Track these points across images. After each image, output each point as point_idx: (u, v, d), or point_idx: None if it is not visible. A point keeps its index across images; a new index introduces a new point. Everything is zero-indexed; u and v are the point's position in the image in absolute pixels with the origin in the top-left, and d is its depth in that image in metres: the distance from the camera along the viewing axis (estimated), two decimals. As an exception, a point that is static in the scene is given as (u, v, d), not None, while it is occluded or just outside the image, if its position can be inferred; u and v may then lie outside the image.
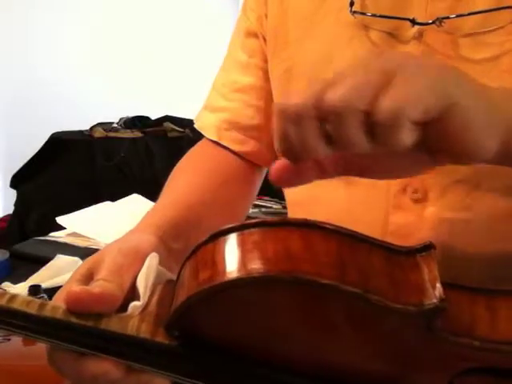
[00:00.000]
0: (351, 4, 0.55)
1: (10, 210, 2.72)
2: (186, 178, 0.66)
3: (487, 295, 0.36)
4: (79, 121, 2.78)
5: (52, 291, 1.05)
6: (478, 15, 0.50)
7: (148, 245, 0.47)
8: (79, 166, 2.64)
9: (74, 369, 0.40)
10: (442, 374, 0.36)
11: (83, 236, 1.46)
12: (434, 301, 0.33)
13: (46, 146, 2.63)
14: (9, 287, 1.17)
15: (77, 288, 0.40)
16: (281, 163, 0.39)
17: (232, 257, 0.34)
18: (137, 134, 2.79)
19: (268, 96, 0.66)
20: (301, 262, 0.32)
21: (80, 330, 0.39)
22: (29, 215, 2.57)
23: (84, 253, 1.31)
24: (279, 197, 1.87)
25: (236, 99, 0.68)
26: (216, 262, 0.34)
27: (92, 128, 2.78)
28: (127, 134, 2.77)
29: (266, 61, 0.66)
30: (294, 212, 0.65)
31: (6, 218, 2.76)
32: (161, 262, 0.45)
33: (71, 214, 1.54)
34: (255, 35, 0.67)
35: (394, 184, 0.54)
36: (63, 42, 3.30)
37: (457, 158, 0.36)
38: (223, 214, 0.64)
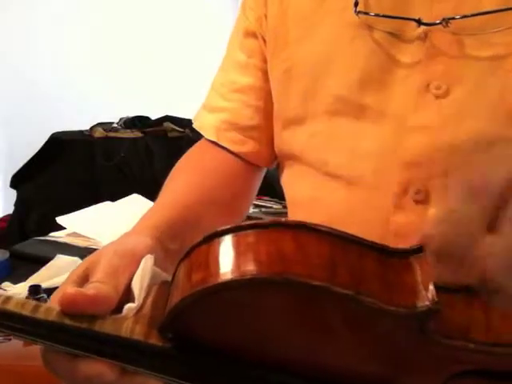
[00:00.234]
0: (356, 4, 0.54)
1: (10, 210, 2.72)
2: (185, 178, 0.66)
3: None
4: (79, 121, 2.78)
5: (52, 291, 1.04)
6: (485, 15, 0.49)
7: (144, 247, 0.47)
8: (79, 166, 2.64)
9: (68, 370, 0.40)
10: (436, 376, 0.36)
11: (83, 236, 1.46)
12: (427, 303, 0.33)
13: (45, 146, 2.64)
14: (9, 287, 1.17)
15: (71, 290, 0.40)
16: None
17: (225, 258, 0.34)
18: (137, 134, 2.79)
19: (267, 96, 0.66)
20: (292, 263, 0.32)
21: (74, 332, 0.39)
22: (29, 215, 2.57)
23: (84, 253, 1.31)
24: (279, 197, 1.87)
25: (235, 99, 0.68)
26: (209, 264, 0.34)
27: (92, 128, 2.78)
28: (127, 133, 2.77)
29: (265, 61, 0.66)
30: (295, 213, 0.65)
31: (6, 217, 2.76)
32: (157, 264, 0.45)
33: (71, 214, 1.54)
34: (254, 35, 0.67)
35: (396, 185, 0.54)
36: (63, 42, 3.30)
37: None
38: (222, 214, 0.64)
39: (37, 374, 0.74)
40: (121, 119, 2.88)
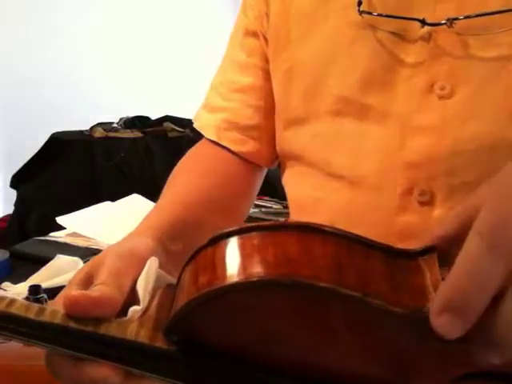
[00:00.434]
0: (359, 3, 0.54)
1: (10, 210, 2.72)
2: (186, 178, 0.66)
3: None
4: (79, 121, 2.78)
5: (52, 291, 1.05)
6: (490, 15, 0.49)
7: (146, 248, 0.47)
8: (79, 166, 2.64)
9: (73, 374, 0.40)
10: (441, 378, 0.36)
11: (83, 236, 1.46)
12: None
13: (45, 146, 2.63)
14: (9, 287, 1.17)
15: (75, 292, 0.40)
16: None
17: (231, 261, 0.33)
18: (137, 134, 2.79)
19: (268, 96, 0.66)
20: (299, 265, 0.32)
21: (79, 335, 0.38)
22: (29, 215, 2.57)
23: (84, 253, 1.31)
24: (279, 197, 1.87)
25: (235, 99, 0.68)
26: (215, 267, 0.34)
27: (92, 128, 2.78)
28: (127, 134, 2.77)
29: (265, 60, 0.65)
30: (297, 214, 0.65)
31: (6, 217, 2.76)
32: (160, 265, 0.44)
33: (71, 214, 1.54)
34: (254, 34, 0.66)
35: (400, 185, 0.54)
36: (63, 42, 3.30)
37: None
38: (223, 214, 0.64)
39: (37, 374, 0.74)
40: (121, 119, 2.88)
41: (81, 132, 2.79)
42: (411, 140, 0.53)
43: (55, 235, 1.50)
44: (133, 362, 0.38)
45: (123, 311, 0.41)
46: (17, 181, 2.67)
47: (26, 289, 1.07)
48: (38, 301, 1.00)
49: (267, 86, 0.65)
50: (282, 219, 1.69)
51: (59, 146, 2.63)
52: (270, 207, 1.94)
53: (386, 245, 0.35)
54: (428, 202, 0.53)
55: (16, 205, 2.68)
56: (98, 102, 3.26)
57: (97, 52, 3.40)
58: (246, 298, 0.33)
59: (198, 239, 0.37)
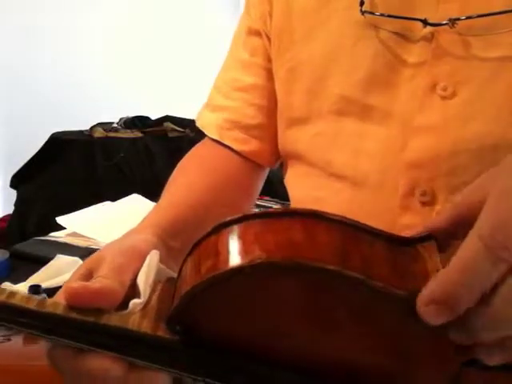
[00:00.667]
0: (361, 3, 0.54)
1: (10, 210, 2.72)
2: (187, 177, 0.65)
3: None
4: (79, 121, 2.77)
5: (52, 291, 1.04)
6: (492, 16, 0.49)
7: (146, 244, 0.47)
8: (79, 166, 2.63)
9: (74, 366, 0.40)
10: (443, 368, 0.36)
11: (83, 236, 1.46)
12: None
13: (45, 146, 2.63)
14: (9, 287, 1.16)
15: (76, 284, 0.40)
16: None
17: (235, 246, 0.33)
18: (137, 134, 2.79)
19: (270, 95, 0.65)
20: (303, 249, 0.32)
21: (80, 326, 0.38)
22: (29, 215, 2.57)
23: (84, 253, 1.31)
24: (280, 197, 1.87)
25: (237, 98, 0.68)
26: (219, 252, 0.34)
27: (92, 128, 2.78)
28: (127, 134, 2.77)
29: (268, 59, 0.65)
30: None
31: (6, 217, 2.76)
32: (161, 261, 0.45)
33: (71, 214, 1.54)
34: (257, 33, 0.66)
35: (402, 186, 0.53)
36: (63, 42, 3.30)
37: None
38: (224, 213, 0.64)
39: (37, 373, 0.74)
40: (121, 119, 2.88)
41: (81, 132, 2.79)
42: (413, 140, 0.53)
43: (55, 235, 1.49)
44: (135, 352, 0.38)
45: (124, 305, 0.41)
46: (17, 181, 2.67)
47: (26, 289, 1.07)
48: (38, 301, 1.00)
49: (270, 86, 0.65)
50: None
51: (59, 146, 2.63)
52: (271, 207, 1.94)
53: (389, 233, 0.36)
54: (429, 202, 0.53)
55: (16, 205, 2.68)
56: (98, 102, 3.26)
57: (97, 52, 3.40)
58: (250, 283, 0.33)
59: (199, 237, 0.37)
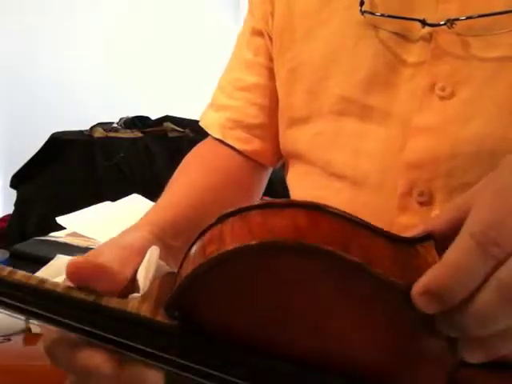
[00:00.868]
0: (361, 4, 0.54)
1: (10, 210, 2.72)
2: (188, 177, 0.66)
3: None
4: (79, 121, 2.78)
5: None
6: (491, 16, 0.49)
7: (141, 242, 0.47)
8: (79, 166, 2.63)
9: (68, 359, 0.40)
10: (441, 366, 0.36)
11: (83, 236, 1.46)
12: None
13: (45, 146, 2.63)
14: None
15: (79, 258, 0.41)
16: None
17: (239, 230, 0.34)
18: (137, 133, 2.79)
19: (272, 95, 0.66)
20: (306, 233, 0.33)
21: (80, 304, 0.38)
22: (29, 215, 2.57)
23: (84, 253, 1.30)
24: (280, 197, 1.87)
25: (240, 98, 0.68)
26: (223, 238, 0.34)
27: (92, 128, 2.78)
28: (127, 134, 2.77)
29: (270, 59, 0.66)
30: None
31: (6, 217, 2.76)
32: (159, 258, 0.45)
33: (71, 214, 1.54)
34: (260, 33, 0.67)
35: (400, 186, 0.54)
36: (63, 42, 3.30)
37: None
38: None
39: (37, 373, 0.74)
40: (121, 119, 2.88)
41: (81, 132, 2.79)
42: (412, 141, 0.53)
43: (55, 235, 1.49)
44: (132, 336, 0.38)
45: (123, 298, 0.40)
46: (17, 181, 2.67)
47: (26, 289, 1.07)
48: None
49: (272, 85, 0.66)
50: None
51: (59, 146, 2.63)
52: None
53: (389, 232, 0.36)
54: (427, 202, 0.53)
55: (16, 205, 2.68)
56: (98, 102, 3.26)
57: (97, 52, 3.40)
58: (252, 263, 0.33)
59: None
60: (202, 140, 0.73)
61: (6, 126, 3.20)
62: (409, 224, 0.53)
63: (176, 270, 0.40)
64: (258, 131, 0.68)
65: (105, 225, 1.47)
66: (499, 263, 0.31)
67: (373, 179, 0.55)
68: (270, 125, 0.67)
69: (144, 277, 0.41)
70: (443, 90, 0.52)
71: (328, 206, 0.34)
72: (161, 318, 0.38)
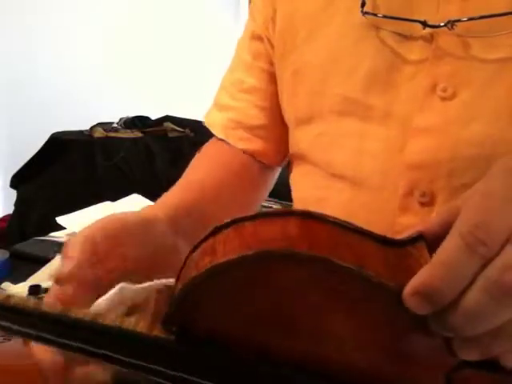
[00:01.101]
0: (363, 4, 0.54)
1: (10, 210, 2.72)
2: (197, 175, 0.67)
3: None
4: (79, 121, 2.78)
5: (52, 291, 1.05)
6: (492, 18, 0.49)
7: (133, 216, 0.49)
8: (79, 166, 2.63)
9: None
10: (438, 367, 0.36)
11: (83, 236, 1.45)
12: None
13: (45, 146, 2.63)
14: (9, 287, 1.17)
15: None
16: None
17: (232, 243, 0.34)
18: (137, 133, 2.79)
19: (272, 98, 0.67)
20: (297, 241, 0.33)
21: (77, 324, 0.39)
22: (29, 215, 2.57)
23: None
24: (280, 197, 1.87)
25: (242, 99, 0.69)
26: (216, 250, 0.35)
27: (92, 128, 2.78)
28: (127, 134, 2.77)
29: (270, 63, 0.67)
30: None
31: (6, 217, 2.76)
32: (164, 238, 0.47)
33: (71, 214, 1.54)
34: (260, 38, 0.68)
35: (401, 187, 0.54)
36: (63, 42, 3.30)
37: None
38: (229, 211, 0.64)
39: (37, 373, 0.74)
40: (121, 119, 2.88)
41: (81, 132, 2.79)
42: (413, 141, 0.53)
43: (55, 235, 1.49)
44: (129, 353, 0.38)
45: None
46: (17, 181, 2.67)
47: (26, 289, 1.07)
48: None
49: (272, 89, 0.67)
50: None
51: (59, 146, 2.63)
52: (270, 207, 1.94)
53: (380, 234, 0.36)
54: (428, 202, 0.53)
55: (16, 205, 2.68)
56: (98, 102, 3.26)
57: (97, 52, 3.40)
58: (246, 274, 0.34)
59: (213, 217, 0.37)
60: (201, 140, 0.74)
61: (6, 126, 3.20)
62: (410, 224, 0.53)
63: (162, 286, 0.40)
64: (260, 132, 0.69)
65: (105, 225, 1.46)
66: (487, 262, 0.32)
67: (374, 179, 0.55)
68: (271, 126, 0.68)
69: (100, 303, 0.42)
70: (445, 90, 0.52)
71: (318, 213, 0.35)
72: (158, 332, 0.38)
